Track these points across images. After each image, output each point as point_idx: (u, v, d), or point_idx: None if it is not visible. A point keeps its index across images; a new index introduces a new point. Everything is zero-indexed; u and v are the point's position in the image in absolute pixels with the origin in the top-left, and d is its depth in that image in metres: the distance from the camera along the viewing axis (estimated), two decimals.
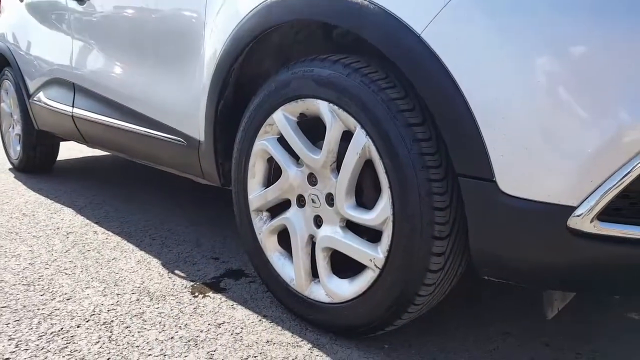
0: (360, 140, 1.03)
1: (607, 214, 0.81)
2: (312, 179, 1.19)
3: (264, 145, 1.27)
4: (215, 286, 1.47)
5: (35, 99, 2.63)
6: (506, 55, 0.83)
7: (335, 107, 1.07)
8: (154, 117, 1.68)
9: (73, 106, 2.19)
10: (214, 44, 1.34)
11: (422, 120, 0.95)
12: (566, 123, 0.79)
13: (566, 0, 0.80)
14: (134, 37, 1.71)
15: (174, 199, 2.41)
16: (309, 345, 1.16)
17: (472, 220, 0.90)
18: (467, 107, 0.85)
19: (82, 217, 2.13)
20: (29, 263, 1.63)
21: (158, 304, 1.35)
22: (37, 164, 3.03)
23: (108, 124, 1.95)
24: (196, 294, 1.42)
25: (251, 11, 1.20)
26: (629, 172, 0.77)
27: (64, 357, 1.10)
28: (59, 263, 1.63)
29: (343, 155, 1.08)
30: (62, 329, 1.22)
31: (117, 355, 1.11)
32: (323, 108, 1.10)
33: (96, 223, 2.05)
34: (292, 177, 1.21)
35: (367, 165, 1.06)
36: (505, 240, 0.88)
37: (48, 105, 2.45)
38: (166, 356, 1.11)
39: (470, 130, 0.85)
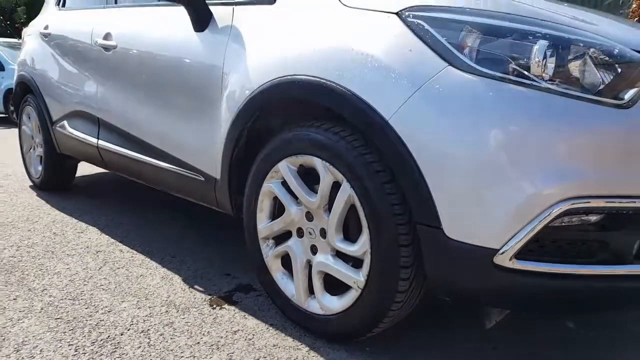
0: (346, 191, 1.34)
1: (523, 254, 1.13)
2: (309, 216, 1.50)
3: (270, 187, 1.58)
4: (228, 299, 1.78)
5: (58, 126, 2.92)
6: (449, 140, 1.15)
7: (327, 164, 1.38)
8: (175, 155, 1.98)
9: (98, 138, 2.49)
10: (230, 103, 1.65)
11: (391, 179, 1.26)
12: (492, 191, 1.11)
13: (490, 100, 1.12)
14: (158, 85, 2.01)
15: (186, 219, 2.72)
16: (307, 348, 1.47)
17: (427, 256, 1.22)
18: (421, 175, 1.16)
19: (107, 236, 2.43)
20: (69, 280, 1.94)
21: (184, 314, 1.66)
22: (57, 183, 3.33)
23: (131, 156, 2.25)
24: (214, 306, 1.73)
25: (260, 86, 1.50)
26: (534, 227, 1.09)
27: (115, 359, 1.41)
28: (95, 280, 1.94)
29: (333, 199, 1.40)
30: (109, 336, 1.53)
31: (157, 357, 1.42)
32: (318, 164, 1.41)
33: (120, 242, 2.35)
34: (293, 213, 1.53)
35: (352, 209, 1.37)
36: (451, 271, 1.19)
37: (72, 134, 2.75)
38: (195, 357, 1.42)
39: (424, 192, 1.17)
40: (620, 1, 11.39)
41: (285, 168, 1.51)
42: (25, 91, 3.39)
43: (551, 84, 1.12)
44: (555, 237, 1.13)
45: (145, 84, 2.09)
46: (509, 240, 1.11)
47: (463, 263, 1.17)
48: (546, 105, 1.11)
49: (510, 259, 1.12)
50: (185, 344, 1.48)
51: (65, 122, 2.85)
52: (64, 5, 3.12)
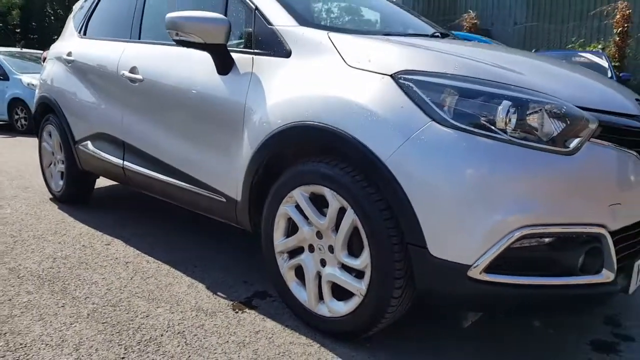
0: (351, 216, 1.65)
1: (491, 268, 1.44)
2: (319, 235, 1.81)
3: (285, 210, 1.88)
4: (248, 304, 2.08)
5: (81, 145, 3.20)
6: (432, 179, 1.45)
7: (335, 193, 1.69)
8: (199, 178, 2.27)
9: (124, 160, 2.77)
10: (251, 139, 1.94)
11: (386, 207, 1.57)
12: (465, 219, 1.42)
13: (464, 148, 1.43)
14: (184, 117, 2.30)
15: (203, 232, 3.01)
16: (318, 345, 1.78)
17: (416, 270, 1.52)
18: (410, 205, 1.47)
19: (132, 248, 2.72)
20: (107, 289, 2.23)
21: (211, 318, 1.96)
22: (78, 196, 3.61)
23: (156, 177, 2.54)
24: (236, 310, 2.03)
25: (279, 127, 1.80)
26: (499, 247, 1.40)
27: (160, 355, 1.70)
28: (130, 288, 2.23)
29: (340, 221, 1.70)
30: (151, 337, 1.82)
31: (194, 353, 1.72)
32: (327, 193, 1.72)
33: (146, 253, 2.64)
34: (305, 232, 1.83)
35: (355, 230, 1.67)
36: (435, 282, 1.50)
37: (97, 154, 3.03)
38: (226, 354, 1.72)
39: (413, 219, 1.47)
40: (605, 12, 11.81)
41: (299, 195, 1.82)
42: (47, 110, 3.66)
43: (512, 136, 1.43)
44: (516, 255, 1.44)
45: (171, 115, 2.38)
46: (479, 258, 1.42)
47: (444, 275, 1.48)
48: (507, 152, 1.42)
49: (481, 273, 1.43)
50: (217, 343, 1.78)
51: (88, 142, 3.13)
52: (85, 33, 3.40)
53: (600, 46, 11.86)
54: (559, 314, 1.91)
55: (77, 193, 3.59)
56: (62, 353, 1.71)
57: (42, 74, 3.78)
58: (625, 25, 11.42)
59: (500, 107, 1.44)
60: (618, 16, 11.48)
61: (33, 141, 7.26)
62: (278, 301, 2.10)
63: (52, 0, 28.39)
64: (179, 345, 1.76)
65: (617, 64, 11.21)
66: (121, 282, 2.29)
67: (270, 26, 2.00)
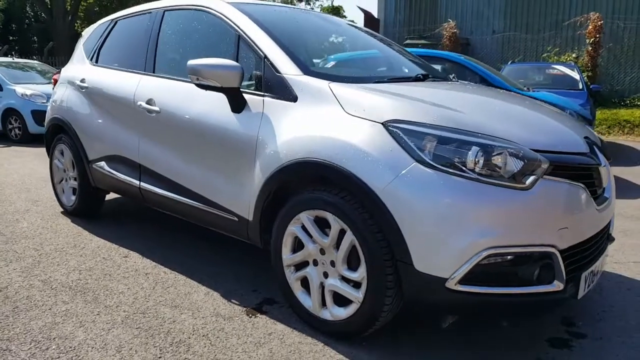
0: (350, 237, 1.99)
1: (464, 280, 1.79)
2: (322, 251, 2.15)
3: (293, 230, 2.22)
4: (259, 310, 2.42)
5: (96, 165, 3.49)
6: (416, 209, 1.80)
7: (337, 217, 2.03)
8: (212, 200, 2.59)
9: (140, 180, 3.08)
10: (263, 169, 2.26)
11: (379, 230, 1.91)
12: (443, 241, 1.78)
13: (441, 184, 1.78)
14: (200, 146, 2.61)
15: (212, 245, 3.33)
16: (322, 344, 2.12)
17: (403, 281, 1.88)
18: (399, 229, 1.82)
19: (149, 260, 3.03)
20: (134, 298, 2.54)
21: (229, 322, 2.29)
22: (89, 210, 3.90)
23: (172, 197, 2.85)
24: (250, 315, 2.36)
25: (288, 161, 2.13)
26: (470, 264, 1.76)
27: (191, 355, 2.03)
28: (154, 297, 2.54)
29: (340, 240, 2.05)
30: (180, 340, 2.14)
31: (219, 352, 2.04)
32: (329, 217, 2.06)
33: (162, 264, 2.96)
34: (310, 249, 2.17)
35: (353, 248, 2.02)
36: (419, 292, 1.86)
37: (112, 174, 3.33)
38: (246, 352, 2.05)
39: (401, 240, 1.82)
40: (578, 23, 12.39)
41: (305, 218, 2.16)
42: (58, 131, 3.93)
43: (479, 174, 1.79)
44: (484, 270, 1.80)
45: (188, 144, 2.70)
46: (454, 272, 1.78)
47: (426, 286, 1.83)
48: (475, 188, 1.78)
49: (456, 284, 1.79)
50: (237, 343, 2.11)
51: (104, 163, 3.42)
52: (97, 61, 3.69)
53: (574, 55, 12.45)
54: (521, 316, 2.28)
55: (88, 207, 3.87)
56: (107, 354, 2.02)
57: (53, 96, 4.04)
58: (597, 35, 12.01)
59: (470, 152, 1.81)
60: (590, 27, 12.06)
61: (30, 151, 7.50)
62: (285, 307, 2.43)
63: (33, 2, 28.20)
64: (205, 346, 2.09)
65: (589, 74, 11.80)
66: (145, 291, 2.60)
67: (278, 74, 2.33)
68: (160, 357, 2.01)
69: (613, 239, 2.42)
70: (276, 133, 2.25)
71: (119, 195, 3.67)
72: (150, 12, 3.26)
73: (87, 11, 27.54)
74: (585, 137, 2.21)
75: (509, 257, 1.82)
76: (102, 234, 3.51)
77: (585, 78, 9.63)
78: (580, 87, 7.90)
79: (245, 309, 2.43)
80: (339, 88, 2.17)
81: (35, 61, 11.69)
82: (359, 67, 3.00)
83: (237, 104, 2.41)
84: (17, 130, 8.54)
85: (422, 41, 13.95)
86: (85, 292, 2.59)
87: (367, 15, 14.96)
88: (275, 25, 2.62)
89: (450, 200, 1.79)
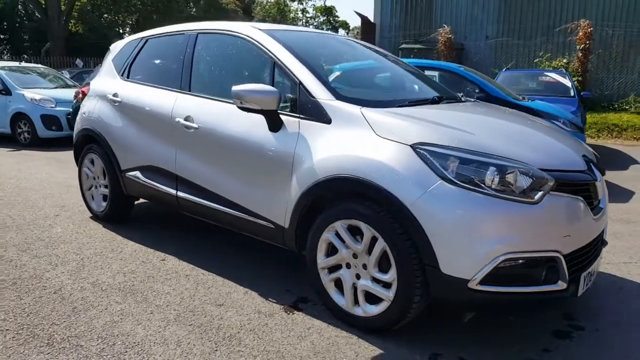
0: (381, 244, 2.29)
1: (484, 281, 2.10)
2: (354, 255, 2.44)
3: (327, 236, 2.51)
4: (295, 307, 2.71)
5: (130, 174, 3.75)
6: (442, 220, 2.11)
7: (369, 226, 2.33)
8: (250, 208, 2.87)
9: (177, 190, 3.35)
10: (300, 183, 2.55)
11: (409, 238, 2.21)
12: (465, 248, 2.09)
13: (463, 199, 2.09)
14: (238, 160, 2.90)
15: (238, 251, 3.61)
16: (356, 337, 2.41)
17: (431, 283, 2.18)
18: (427, 237, 2.12)
19: (185, 263, 3.31)
20: (180, 298, 2.81)
21: (271, 318, 2.58)
22: (119, 216, 4.16)
23: (208, 205, 3.13)
24: (288, 312, 2.65)
25: (325, 177, 2.42)
26: (489, 267, 2.06)
27: (243, 347, 2.31)
28: (199, 296, 2.82)
29: (372, 246, 2.34)
30: (231, 334, 2.43)
31: (268, 345, 2.33)
32: (362, 226, 2.36)
33: (199, 267, 3.23)
34: (344, 254, 2.47)
35: (384, 253, 2.32)
36: (445, 291, 2.17)
37: (147, 182, 3.59)
38: (291, 345, 2.34)
39: (429, 246, 2.13)
40: (569, 29, 12.79)
41: (340, 226, 2.45)
42: (88, 141, 4.19)
43: (495, 190, 2.10)
44: (501, 272, 2.10)
45: (225, 157, 2.98)
46: (475, 274, 2.09)
47: (451, 286, 2.14)
48: (492, 203, 2.09)
49: (477, 285, 2.10)
50: (281, 337, 2.41)
51: (138, 172, 3.69)
52: (128, 76, 3.95)
53: (565, 61, 12.86)
54: (530, 311, 2.60)
55: (119, 213, 4.13)
56: (169, 348, 2.30)
57: (83, 108, 4.29)
58: (587, 42, 12.43)
59: (488, 172, 2.11)
60: (581, 33, 12.48)
61: (40, 155, 7.73)
62: (317, 305, 2.73)
63: (25, 1, 28.12)
64: (254, 340, 2.38)
65: (580, 79, 12.22)
66: (189, 292, 2.88)
67: (312, 98, 2.63)
68: (216, 350, 2.29)
69: (606, 243, 2.75)
70: (312, 151, 2.54)
71: (145, 202, 3.93)
72: (183, 34, 3.53)
73: (81, 10, 27.59)
74: (583, 155, 2.54)
75: (521, 261, 2.13)
76: (134, 238, 3.77)
77: (576, 83, 10.02)
78: (572, 94, 8.27)
79: (282, 306, 2.72)
80: (369, 113, 2.46)
81: (40, 65, 11.84)
82: (383, 90, 3.29)
83: (275, 124, 2.70)
84: (26, 135, 8.74)
85: (418, 45, 14.31)
86: (134, 293, 2.86)
87: (364, 20, 15.28)
88: (306, 52, 2.91)
89: (471, 213, 2.10)
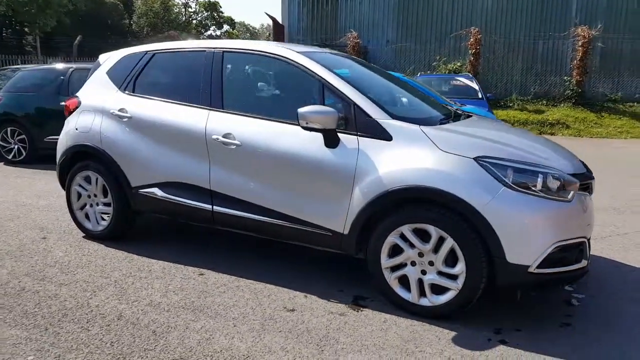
0: (450, 242, 2.73)
1: (541, 266, 2.64)
2: (420, 254, 2.85)
3: (392, 239, 2.88)
4: (358, 305, 3.03)
5: (144, 191, 3.73)
6: (509, 220, 2.60)
7: (438, 228, 2.75)
8: (305, 219, 3.12)
9: (212, 204, 3.44)
10: (363, 195, 2.87)
11: (477, 237, 2.68)
12: (526, 241, 2.61)
13: (520, 201, 2.61)
14: (290, 172, 3.11)
15: (260, 259, 3.78)
16: (428, 324, 2.81)
17: (498, 271, 2.67)
18: (496, 235, 2.61)
19: (226, 275, 3.42)
20: (250, 308, 2.96)
21: (345, 317, 2.87)
22: (122, 232, 4.07)
23: (252, 218, 3.29)
24: (355, 310, 2.97)
25: (391, 188, 2.78)
26: (544, 255, 2.61)
27: (341, 344, 2.59)
28: (265, 305, 2.99)
29: (439, 245, 2.77)
30: (324, 335, 2.67)
31: (361, 338, 2.63)
32: (430, 228, 2.76)
33: (243, 277, 3.38)
34: (410, 254, 2.86)
35: (451, 250, 2.75)
36: (510, 277, 2.67)
37: (169, 198, 3.61)
38: (379, 337, 2.67)
39: (497, 241, 2.61)
40: (461, 35, 14.31)
41: (407, 230, 2.84)
42: (81, 158, 4.03)
43: (541, 192, 2.65)
44: (552, 257, 2.66)
45: (275, 172, 3.18)
46: (534, 261, 2.62)
47: (514, 272, 2.65)
48: (543, 202, 2.63)
49: (535, 269, 2.63)
50: (367, 331, 2.72)
51: (155, 189, 3.68)
52: (133, 90, 3.87)
53: (459, 64, 14.42)
54: (541, 289, 3.23)
55: (122, 230, 4.04)
56: (280, 356, 2.50)
57: (72, 123, 4.08)
58: (477, 47, 14.09)
59: (538, 178, 2.66)
60: (472, 39, 14.10)
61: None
62: (375, 300, 3.07)
63: None
64: (347, 337, 2.67)
65: None
66: (253, 301, 3.05)
67: (369, 117, 2.96)
68: (322, 351, 2.54)
69: None
70: (376, 165, 2.88)
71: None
72: (204, 51, 3.60)
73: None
74: (580, 161, 3.22)
75: (563, 247, 2.71)
76: (152, 255, 3.75)
77: None
78: (480, 96, 9.46)
79: (346, 305, 3.02)
80: (429, 130, 2.88)
81: None
82: (411, 108, 3.70)
83: (332, 141, 2.99)
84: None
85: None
86: (201, 309, 2.95)
87: (275, 22, 15.55)
88: (347, 75, 3.23)
89: (530, 211, 2.62)
